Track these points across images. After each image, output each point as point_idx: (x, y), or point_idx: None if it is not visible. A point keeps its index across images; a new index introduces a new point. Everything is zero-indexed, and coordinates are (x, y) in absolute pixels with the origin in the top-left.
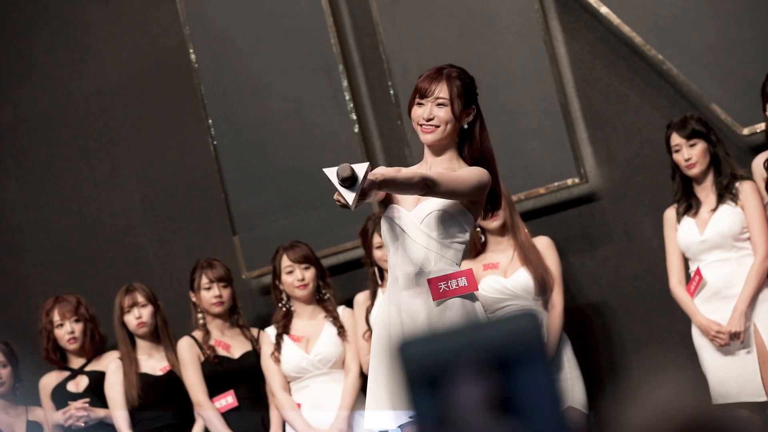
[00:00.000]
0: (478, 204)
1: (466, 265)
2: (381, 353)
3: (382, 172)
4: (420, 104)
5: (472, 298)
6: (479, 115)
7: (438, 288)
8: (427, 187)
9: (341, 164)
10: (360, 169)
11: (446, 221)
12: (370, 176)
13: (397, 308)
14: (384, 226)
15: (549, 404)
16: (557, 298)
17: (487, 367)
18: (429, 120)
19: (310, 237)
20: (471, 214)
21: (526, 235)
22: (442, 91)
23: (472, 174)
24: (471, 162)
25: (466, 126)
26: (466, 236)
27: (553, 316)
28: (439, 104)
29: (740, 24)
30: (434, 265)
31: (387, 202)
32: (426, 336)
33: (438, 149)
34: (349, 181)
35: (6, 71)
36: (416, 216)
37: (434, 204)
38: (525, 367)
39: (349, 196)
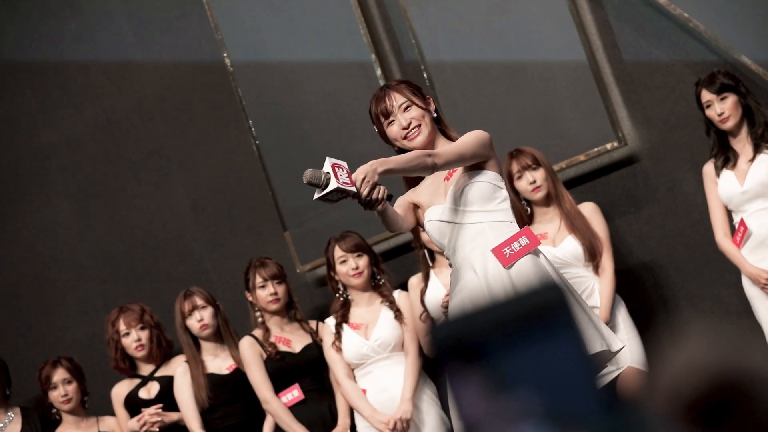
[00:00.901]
0: (494, 160)
1: None
2: None
3: (378, 162)
4: (391, 122)
5: (536, 252)
6: (437, 103)
7: (504, 254)
8: (430, 158)
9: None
10: (324, 173)
11: (478, 190)
12: (370, 170)
13: (477, 282)
14: (432, 233)
15: (581, 377)
16: (607, 262)
17: (515, 343)
18: (408, 126)
19: (359, 225)
20: (493, 172)
21: (570, 203)
22: (398, 98)
23: (468, 136)
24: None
25: (435, 115)
26: (504, 192)
27: (605, 280)
28: (405, 109)
29: None
30: (492, 234)
31: (417, 219)
32: (457, 317)
33: (428, 144)
34: (317, 183)
35: (46, 93)
36: (449, 203)
37: (461, 182)
38: (553, 341)
39: (317, 194)
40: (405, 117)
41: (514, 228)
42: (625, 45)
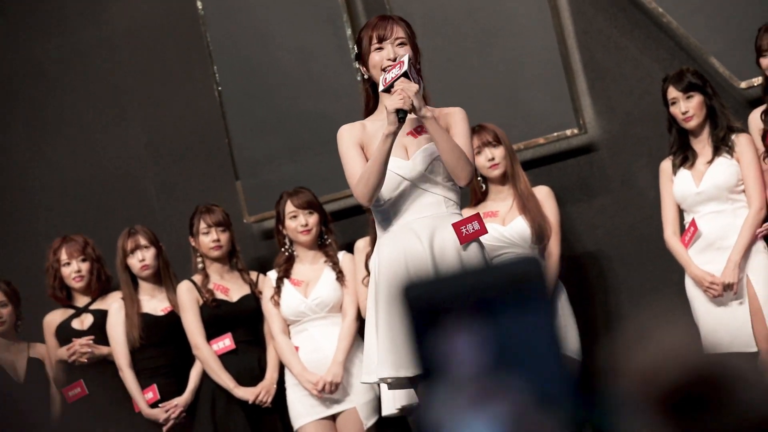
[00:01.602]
0: None
1: (467, 212)
2: (394, 303)
3: (426, 107)
4: (379, 48)
5: (480, 241)
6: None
7: (461, 232)
8: (469, 168)
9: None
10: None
11: (443, 166)
12: (417, 94)
13: (421, 250)
14: (390, 171)
15: (549, 349)
16: (554, 247)
17: (489, 310)
18: (394, 60)
19: (312, 183)
20: None
21: (525, 184)
22: (398, 31)
23: (465, 126)
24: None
25: (419, 66)
26: None
27: (550, 264)
28: (399, 44)
29: None
30: (446, 209)
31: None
32: (430, 279)
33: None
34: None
35: (17, 18)
36: (418, 164)
37: (430, 150)
38: (527, 312)
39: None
40: (395, 50)
41: (459, 210)
42: (597, 33)
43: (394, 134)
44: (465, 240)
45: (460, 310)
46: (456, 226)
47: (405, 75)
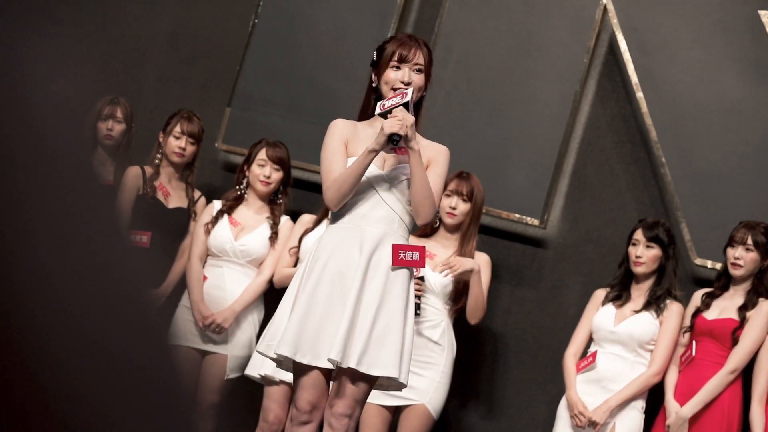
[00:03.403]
0: None
1: (413, 240)
2: (330, 294)
3: (415, 138)
4: (397, 68)
5: (412, 274)
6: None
7: (398, 255)
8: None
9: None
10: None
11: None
12: (410, 124)
13: (362, 258)
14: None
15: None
16: (480, 312)
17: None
18: (407, 84)
19: (292, 144)
20: None
21: (472, 248)
22: (420, 57)
23: (444, 168)
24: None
25: (425, 93)
26: None
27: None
28: (416, 70)
29: (743, 170)
30: (397, 229)
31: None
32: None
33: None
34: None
35: None
36: (389, 177)
37: (405, 170)
38: None
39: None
40: (411, 75)
41: (407, 235)
42: (599, 150)
43: (377, 153)
44: (398, 263)
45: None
46: (396, 248)
47: (405, 105)
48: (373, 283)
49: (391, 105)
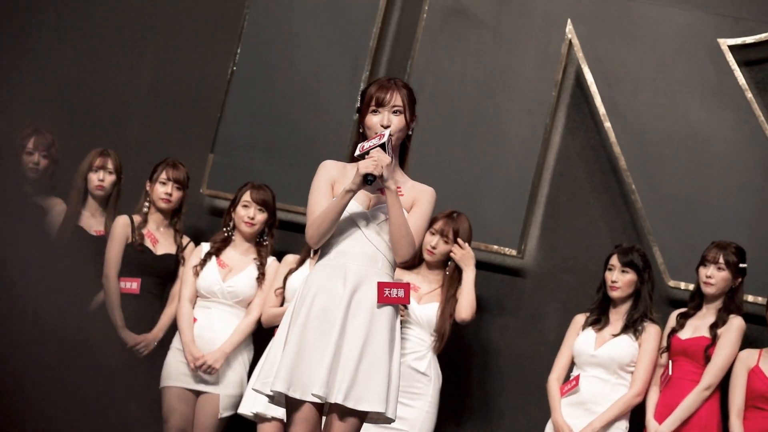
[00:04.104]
0: None
1: (398, 273)
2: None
3: (391, 176)
4: (376, 112)
5: (398, 310)
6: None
7: (383, 292)
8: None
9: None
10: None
11: None
12: (386, 165)
13: (345, 294)
14: (346, 216)
15: None
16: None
17: None
18: (386, 127)
19: (275, 187)
20: None
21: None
22: (397, 99)
23: (428, 208)
24: (405, 168)
25: (410, 132)
26: None
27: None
28: (394, 112)
29: (710, 191)
30: (381, 266)
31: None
32: None
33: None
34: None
35: None
36: (373, 216)
37: (387, 210)
38: None
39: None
40: (389, 118)
41: (393, 274)
42: (571, 180)
43: (354, 192)
44: (383, 301)
45: None
46: (380, 285)
47: (383, 147)
48: (357, 320)
49: (369, 146)
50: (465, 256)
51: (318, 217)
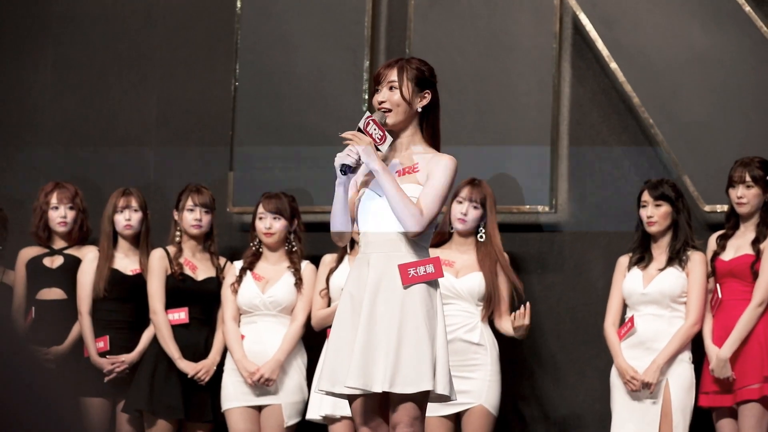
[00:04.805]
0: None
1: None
2: (346, 321)
3: (375, 157)
4: (377, 90)
5: (436, 284)
6: (434, 100)
7: (407, 273)
8: (419, 217)
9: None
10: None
11: None
12: (363, 146)
13: (369, 285)
14: (360, 212)
15: None
16: (506, 308)
17: None
18: (381, 102)
19: (298, 192)
20: None
21: (499, 247)
22: (392, 75)
23: (444, 175)
24: (431, 143)
25: (419, 109)
26: (435, 220)
27: (504, 322)
28: (390, 88)
29: (727, 111)
30: (405, 249)
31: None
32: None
33: (398, 131)
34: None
35: None
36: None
37: (410, 192)
38: None
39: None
40: (385, 94)
41: (424, 252)
42: (589, 127)
43: (343, 186)
44: (409, 281)
45: None
46: (402, 268)
47: (360, 130)
48: (386, 306)
49: (348, 133)
50: (521, 328)
51: (331, 216)
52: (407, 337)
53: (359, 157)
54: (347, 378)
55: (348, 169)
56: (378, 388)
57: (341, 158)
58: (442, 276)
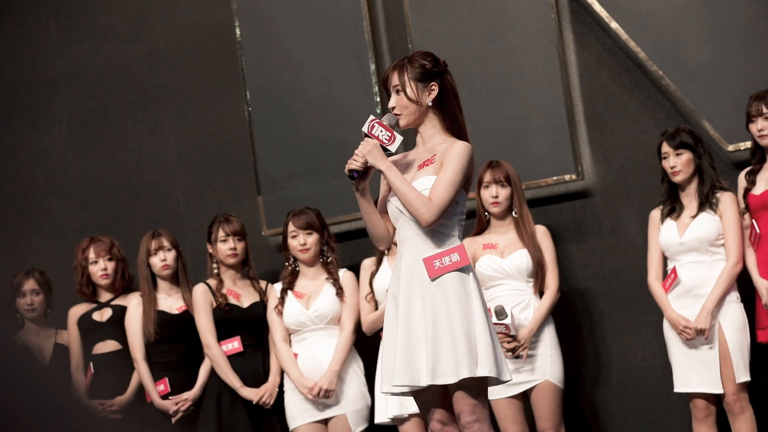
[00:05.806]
0: (469, 177)
1: (468, 242)
2: (392, 320)
3: (383, 162)
4: (389, 97)
5: (467, 270)
6: (443, 89)
7: (433, 266)
8: (428, 208)
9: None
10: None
11: None
12: (369, 153)
13: (402, 281)
14: (391, 214)
15: None
16: (552, 280)
17: None
18: (393, 108)
19: (326, 203)
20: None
21: (530, 223)
22: (394, 79)
23: (455, 161)
24: (451, 131)
25: (430, 103)
26: (460, 207)
27: (546, 297)
28: (396, 92)
29: (734, 49)
30: (431, 242)
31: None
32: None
33: (415, 128)
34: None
35: (68, 27)
36: None
37: (421, 187)
38: None
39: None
40: (394, 99)
41: (453, 241)
42: (600, 89)
43: (357, 191)
44: (435, 273)
45: None
46: (427, 261)
47: (365, 134)
48: (419, 301)
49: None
50: (517, 347)
51: None
52: (441, 328)
53: (365, 160)
54: (393, 376)
55: (357, 174)
56: (424, 383)
57: (348, 164)
58: (468, 263)
